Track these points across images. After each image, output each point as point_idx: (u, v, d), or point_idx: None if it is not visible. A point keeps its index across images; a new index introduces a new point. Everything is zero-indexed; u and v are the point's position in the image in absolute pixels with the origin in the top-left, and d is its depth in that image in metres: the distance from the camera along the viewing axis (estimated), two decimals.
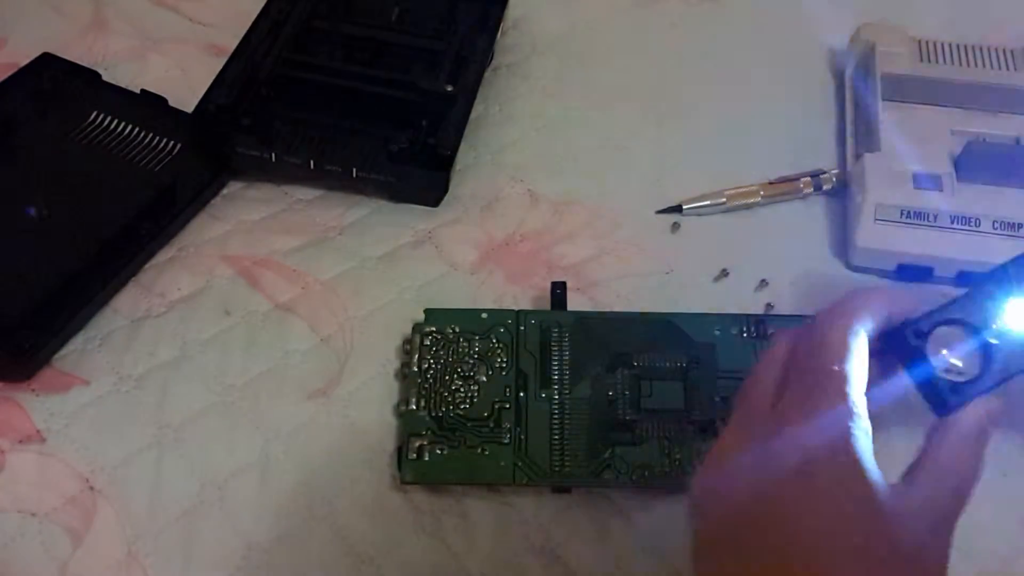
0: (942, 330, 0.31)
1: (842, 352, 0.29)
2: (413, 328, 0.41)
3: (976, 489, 0.29)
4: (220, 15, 0.56)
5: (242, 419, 0.40)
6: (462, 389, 0.39)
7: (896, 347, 0.31)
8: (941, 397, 0.31)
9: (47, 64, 0.49)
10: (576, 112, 0.53)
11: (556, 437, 0.38)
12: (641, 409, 0.39)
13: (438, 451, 0.38)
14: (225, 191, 0.48)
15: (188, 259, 0.45)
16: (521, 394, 0.39)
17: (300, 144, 0.46)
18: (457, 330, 0.41)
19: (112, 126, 0.48)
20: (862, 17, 0.54)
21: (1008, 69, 0.50)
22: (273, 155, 0.46)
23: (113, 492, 0.38)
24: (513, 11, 0.57)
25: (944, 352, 0.31)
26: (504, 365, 0.40)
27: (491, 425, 0.39)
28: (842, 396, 0.28)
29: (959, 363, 0.31)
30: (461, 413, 0.39)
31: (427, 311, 0.41)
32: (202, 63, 0.52)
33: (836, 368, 0.29)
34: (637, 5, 0.59)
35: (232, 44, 0.50)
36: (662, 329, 0.41)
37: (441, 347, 0.40)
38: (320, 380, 0.41)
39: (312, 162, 0.46)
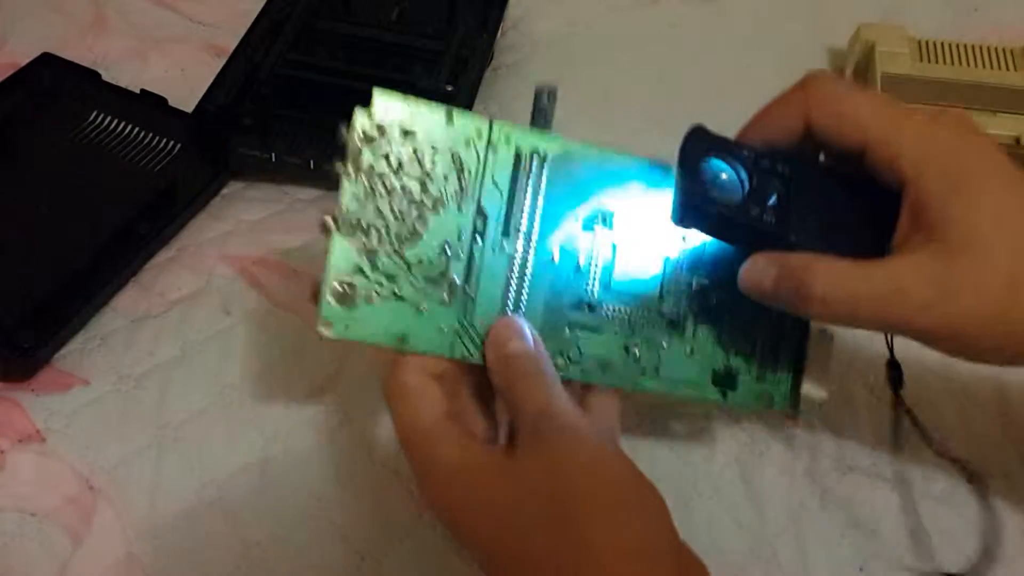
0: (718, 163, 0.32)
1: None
2: (354, 113, 0.31)
3: None
4: (220, 15, 0.56)
5: (242, 419, 0.40)
6: (405, 218, 0.32)
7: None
8: (692, 199, 0.31)
9: (47, 64, 0.50)
10: (576, 112, 0.53)
11: (509, 306, 0.33)
12: (611, 288, 0.34)
13: (365, 296, 0.31)
14: (225, 191, 0.48)
15: (188, 259, 0.45)
16: (478, 239, 0.32)
17: (300, 144, 0.46)
18: (411, 132, 0.32)
19: (112, 126, 0.48)
20: (861, 17, 0.54)
21: (1008, 69, 0.50)
22: (273, 155, 0.46)
23: (113, 492, 0.38)
24: (513, 11, 0.57)
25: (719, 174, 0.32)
26: (462, 196, 0.32)
27: (436, 276, 0.32)
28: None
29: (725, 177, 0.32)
30: (399, 252, 0.31)
31: (376, 89, 0.31)
32: (202, 63, 0.52)
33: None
34: (637, 5, 0.59)
35: (232, 44, 0.50)
36: (661, 185, 0.34)
37: (385, 151, 0.31)
38: (320, 379, 0.41)
39: (312, 162, 0.46)
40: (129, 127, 0.48)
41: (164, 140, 0.47)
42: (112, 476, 0.38)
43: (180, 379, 0.41)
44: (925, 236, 0.29)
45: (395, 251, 0.31)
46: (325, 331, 0.31)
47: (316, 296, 0.31)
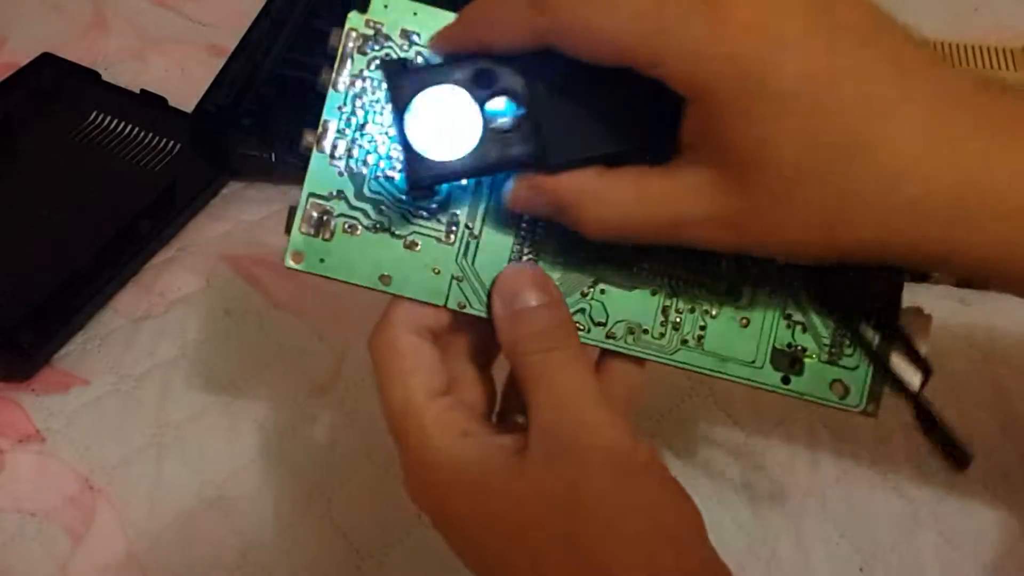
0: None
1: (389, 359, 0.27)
2: (348, 18, 0.28)
3: None
4: (220, 15, 0.56)
5: (241, 418, 0.40)
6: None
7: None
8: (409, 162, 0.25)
9: (47, 64, 0.49)
10: None
11: (522, 247, 0.28)
12: None
13: (347, 228, 0.27)
14: (225, 191, 0.48)
15: (188, 259, 0.45)
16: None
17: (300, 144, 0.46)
18: (414, 34, 0.27)
19: (112, 126, 0.48)
20: None
21: (1008, 69, 0.50)
22: (273, 155, 0.46)
23: (113, 492, 0.38)
24: None
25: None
26: None
27: (433, 208, 0.27)
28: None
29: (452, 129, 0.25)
30: (390, 176, 0.27)
31: None
32: (202, 63, 0.52)
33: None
34: None
35: (232, 44, 0.50)
36: None
37: (380, 55, 0.27)
38: (319, 378, 0.41)
39: None
40: (129, 127, 0.48)
41: (164, 140, 0.47)
42: (112, 476, 0.38)
43: (180, 379, 0.41)
44: (711, 155, 0.24)
45: (386, 175, 0.27)
46: (294, 263, 0.27)
47: (288, 224, 0.27)
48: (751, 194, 0.23)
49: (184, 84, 0.50)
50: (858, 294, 0.28)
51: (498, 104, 0.25)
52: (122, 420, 0.40)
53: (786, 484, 0.39)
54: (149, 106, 0.49)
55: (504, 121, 0.25)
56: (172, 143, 0.47)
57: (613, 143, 0.25)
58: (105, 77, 0.50)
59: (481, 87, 0.25)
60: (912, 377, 0.28)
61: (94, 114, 0.48)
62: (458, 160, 0.25)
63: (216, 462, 0.39)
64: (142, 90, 0.49)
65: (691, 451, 0.40)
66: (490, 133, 0.25)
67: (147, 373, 0.41)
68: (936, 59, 0.24)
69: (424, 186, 0.26)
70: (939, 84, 0.23)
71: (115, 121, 0.48)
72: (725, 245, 0.25)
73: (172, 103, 0.49)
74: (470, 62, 0.25)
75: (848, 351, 0.29)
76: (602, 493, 0.25)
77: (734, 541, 0.38)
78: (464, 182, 0.27)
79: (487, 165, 0.25)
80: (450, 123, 0.25)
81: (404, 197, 0.27)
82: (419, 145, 0.25)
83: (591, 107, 0.25)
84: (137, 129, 0.48)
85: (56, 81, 0.49)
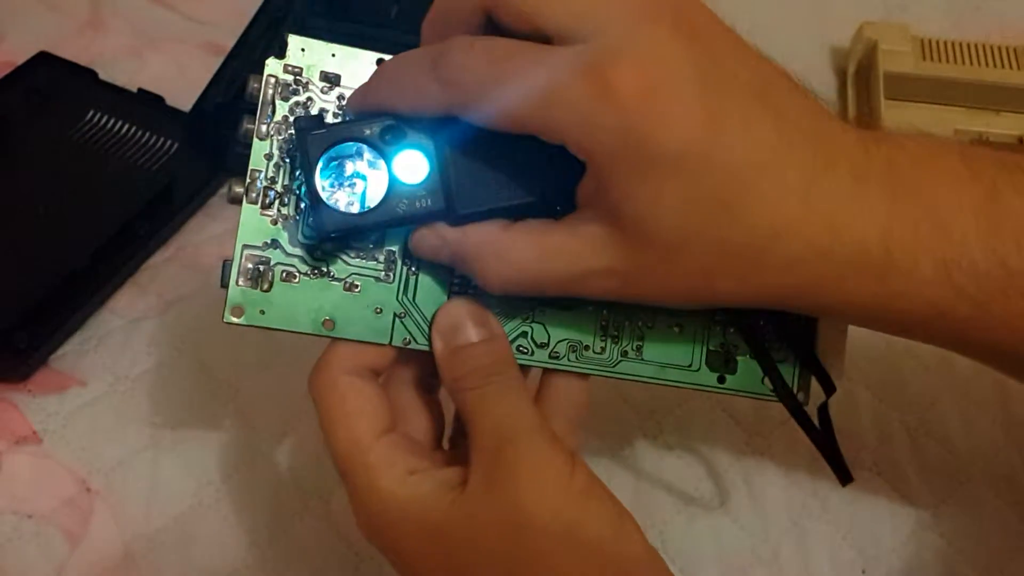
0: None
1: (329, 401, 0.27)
2: (266, 65, 0.27)
3: None
4: (218, 13, 0.56)
5: (239, 418, 0.40)
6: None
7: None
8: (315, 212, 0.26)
9: (43, 63, 0.49)
10: None
11: (462, 279, 0.28)
12: None
13: (285, 277, 0.27)
14: (223, 190, 0.48)
15: (186, 259, 0.45)
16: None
17: None
18: (334, 76, 0.28)
19: (109, 125, 0.47)
20: (864, 15, 0.53)
21: (1011, 67, 0.50)
22: None
23: (110, 493, 0.38)
24: None
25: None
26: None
27: (369, 249, 0.28)
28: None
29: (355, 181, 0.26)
30: None
31: (290, 36, 0.28)
32: (200, 62, 0.52)
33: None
34: None
35: (230, 42, 0.50)
36: None
37: (302, 100, 0.27)
38: None
39: None
40: (126, 126, 0.47)
41: (161, 139, 0.47)
42: (109, 477, 0.38)
43: (177, 380, 0.41)
44: (604, 213, 0.25)
45: None
46: (234, 318, 0.27)
47: (224, 279, 0.27)
48: (639, 251, 0.25)
49: (182, 83, 0.50)
50: (776, 326, 0.30)
51: (406, 158, 0.26)
52: (119, 421, 0.40)
53: (788, 485, 0.39)
54: (146, 105, 0.48)
55: (411, 175, 0.26)
56: (170, 142, 0.47)
57: (518, 195, 0.26)
58: (102, 76, 0.50)
59: (389, 142, 0.26)
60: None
61: (91, 113, 0.47)
62: (364, 213, 0.26)
63: (214, 463, 0.39)
64: (139, 89, 0.49)
65: (693, 452, 0.40)
66: (397, 187, 0.26)
67: (144, 374, 0.41)
68: (822, 118, 0.26)
69: (330, 238, 0.27)
70: (821, 145, 0.25)
71: (112, 120, 0.47)
72: (618, 295, 0.26)
73: (170, 102, 0.49)
74: (379, 118, 0.26)
75: (776, 344, 0.30)
76: (537, 526, 0.25)
77: (736, 542, 0.37)
78: None
79: (394, 218, 0.26)
80: (358, 177, 0.26)
81: (328, 244, 0.28)
82: (328, 198, 0.26)
83: (497, 160, 0.26)
84: (134, 128, 0.47)
85: (53, 80, 0.49)
